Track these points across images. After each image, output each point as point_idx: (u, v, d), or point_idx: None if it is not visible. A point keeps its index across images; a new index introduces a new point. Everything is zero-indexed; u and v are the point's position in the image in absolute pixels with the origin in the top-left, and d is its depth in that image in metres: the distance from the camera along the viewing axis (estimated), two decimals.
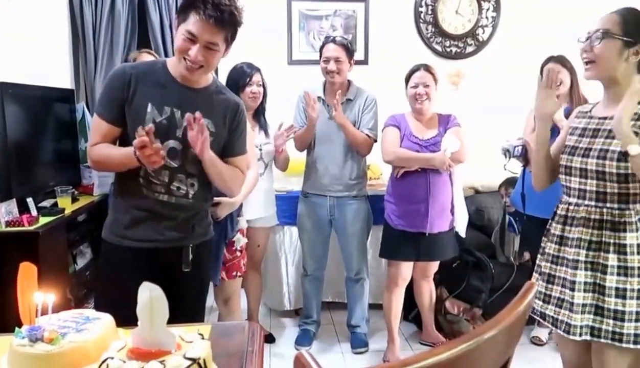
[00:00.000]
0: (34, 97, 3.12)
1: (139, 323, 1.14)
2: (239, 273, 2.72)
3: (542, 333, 3.35)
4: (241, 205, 2.66)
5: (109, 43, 3.96)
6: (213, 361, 1.19)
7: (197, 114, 1.79)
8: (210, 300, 3.75)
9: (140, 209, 1.94)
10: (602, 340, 1.79)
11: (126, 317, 1.38)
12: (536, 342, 3.34)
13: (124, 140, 1.93)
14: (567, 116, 3.00)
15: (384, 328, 3.33)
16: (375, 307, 3.59)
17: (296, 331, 3.50)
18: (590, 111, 1.93)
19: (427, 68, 3.00)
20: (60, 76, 3.78)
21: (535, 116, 2.01)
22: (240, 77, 3.04)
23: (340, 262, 3.42)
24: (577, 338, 1.82)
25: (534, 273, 2.06)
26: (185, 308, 2.04)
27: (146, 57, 3.07)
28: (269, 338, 3.44)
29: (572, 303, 1.84)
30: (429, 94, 2.96)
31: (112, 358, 1.11)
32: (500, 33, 4.35)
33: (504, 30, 4.34)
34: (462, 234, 3.15)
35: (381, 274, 3.62)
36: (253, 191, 3.01)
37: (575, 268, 1.84)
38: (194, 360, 1.09)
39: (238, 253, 2.70)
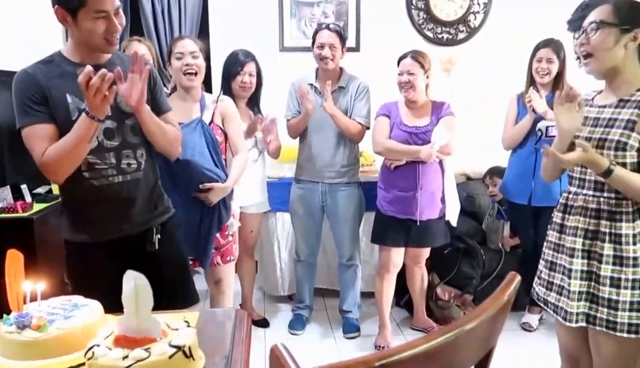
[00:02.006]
0: None
1: (124, 311, 1.13)
2: (232, 258, 2.71)
3: (532, 319, 3.35)
4: (232, 190, 2.65)
5: None
6: (199, 348, 1.19)
7: (132, 52, 1.73)
8: (203, 284, 3.78)
9: (97, 202, 1.86)
10: (597, 328, 1.80)
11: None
12: (526, 327, 3.34)
13: None
14: (549, 104, 3.00)
15: (375, 314, 3.34)
16: (368, 294, 3.59)
17: (290, 316, 3.50)
18: (592, 99, 1.91)
19: (415, 56, 2.90)
20: None
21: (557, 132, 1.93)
22: (232, 65, 3.01)
23: (334, 249, 3.42)
24: (573, 324, 1.83)
25: (540, 261, 2.04)
26: (166, 291, 2.02)
27: (136, 45, 3.01)
28: (263, 323, 3.46)
29: (569, 291, 1.84)
30: (413, 83, 2.88)
31: (99, 345, 1.10)
32: (492, 19, 4.30)
33: (495, 16, 4.30)
34: (454, 223, 3.12)
35: (374, 261, 3.60)
36: (247, 177, 2.99)
37: (572, 256, 1.84)
38: (179, 348, 1.09)
39: (230, 238, 2.69)
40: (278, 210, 3.61)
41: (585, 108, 1.88)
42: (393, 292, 3.21)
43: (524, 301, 3.28)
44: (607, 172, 1.71)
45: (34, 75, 1.76)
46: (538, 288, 2.02)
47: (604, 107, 1.82)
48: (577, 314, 1.82)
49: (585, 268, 1.82)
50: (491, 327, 0.90)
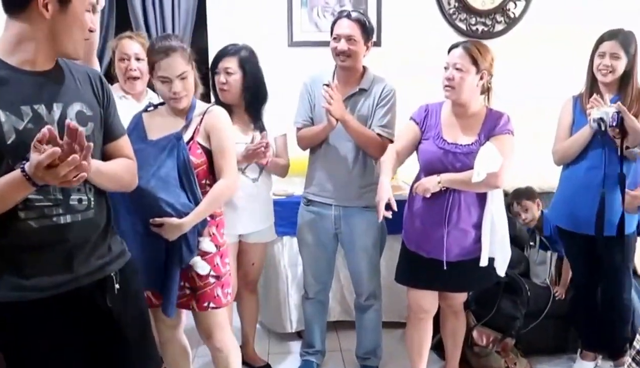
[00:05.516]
0: None
1: None
2: (211, 304, 2.31)
3: (586, 366, 3.05)
4: (204, 222, 2.22)
5: None
6: None
7: (67, 122, 1.42)
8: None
9: (35, 248, 1.57)
10: None
11: None
12: None
13: None
14: None
15: (399, 355, 3.05)
16: (387, 325, 3.27)
17: (298, 358, 3.20)
18: None
19: (468, 47, 2.45)
20: None
21: None
22: (212, 63, 2.76)
23: (349, 275, 3.09)
24: None
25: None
26: (129, 353, 1.81)
27: (127, 43, 2.77)
28: None
29: None
30: (458, 82, 2.42)
31: None
32: (535, 8, 4.04)
33: (538, 4, 4.03)
34: (501, 273, 2.62)
35: (397, 289, 3.10)
36: (245, 200, 2.72)
37: None
38: None
39: (212, 280, 2.27)
40: (285, 234, 3.29)
41: None
42: (429, 342, 2.80)
43: (574, 344, 3.15)
44: None
45: None
46: None
47: None
48: None
49: None
50: None
